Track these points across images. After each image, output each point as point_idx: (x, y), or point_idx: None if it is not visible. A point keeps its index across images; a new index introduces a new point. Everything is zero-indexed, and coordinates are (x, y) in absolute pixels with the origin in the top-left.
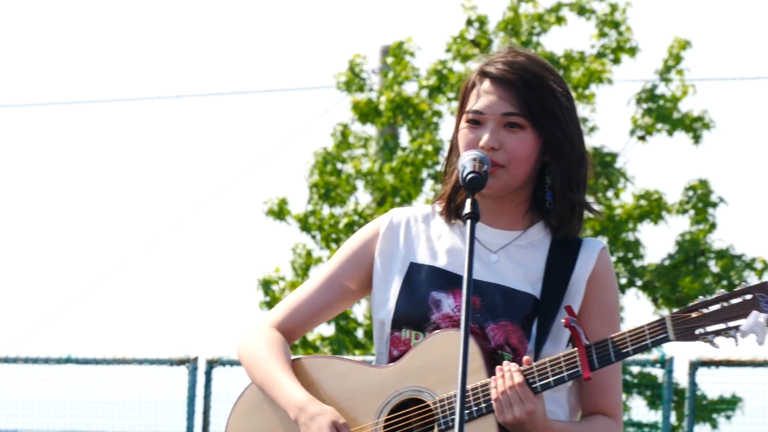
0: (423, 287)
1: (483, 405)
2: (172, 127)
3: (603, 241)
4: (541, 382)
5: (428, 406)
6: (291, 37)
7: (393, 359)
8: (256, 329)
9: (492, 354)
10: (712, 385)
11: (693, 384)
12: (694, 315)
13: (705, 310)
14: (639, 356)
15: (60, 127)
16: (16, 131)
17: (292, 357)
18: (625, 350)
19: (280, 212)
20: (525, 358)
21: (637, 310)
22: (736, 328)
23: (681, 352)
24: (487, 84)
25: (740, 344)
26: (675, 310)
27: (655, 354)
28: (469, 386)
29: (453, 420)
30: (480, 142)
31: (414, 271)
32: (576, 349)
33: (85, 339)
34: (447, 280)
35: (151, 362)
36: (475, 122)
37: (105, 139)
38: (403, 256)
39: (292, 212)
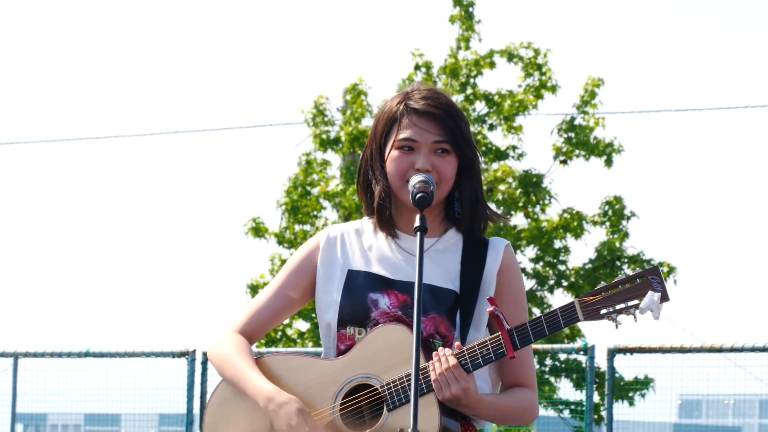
0: (361, 290)
1: (423, 385)
2: (174, 160)
3: (507, 240)
4: (473, 363)
5: (377, 389)
6: (271, 79)
7: (341, 353)
8: (222, 335)
9: (426, 342)
10: (628, 368)
11: (612, 368)
12: (598, 298)
13: (607, 294)
14: (566, 345)
15: (80, 161)
16: (47, 166)
17: (255, 356)
18: (542, 331)
19: (258, 230)
20: (456, 344)
21: None
22: (635, 306)
23: (601, 341)
24: (415, 116)
25: (639, 320)
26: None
27: (579, 343)
28: (410, 371)
29: (399, 399)
30: (416, 165)
31: (352, 277)
32: (500, 333)
33: (101, 336)
34: (381, 283)
35: (156, 355)
36: (409, 148)
37: (118, 171)
38: (341, 265)
39: (270, 230)
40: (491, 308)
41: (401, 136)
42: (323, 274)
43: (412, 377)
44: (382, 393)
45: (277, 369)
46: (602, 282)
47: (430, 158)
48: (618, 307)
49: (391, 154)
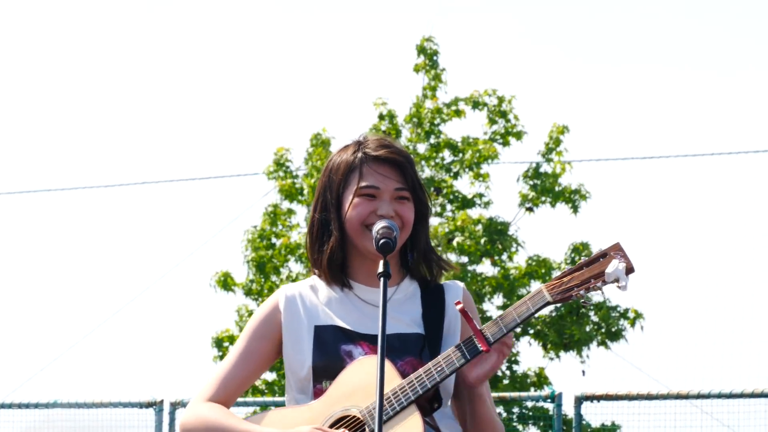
0: (332, 343)
1: (404, 401)
2: (139, 211)
3: (461, 284)
4: (448, 366)
5: (356, 417)
6: (237, 129)
7: None
8: (195, 406)
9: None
10: (595, 416)
11: (579, 415)
12: (564, 280)
13: (572, 275)
14: (533, 392)
15: (45, 213)
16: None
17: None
18: (513, 322)
19: (225, 283)
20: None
21: (531, 354)
22: (601, 281)
23: (568, 388)
24: (375, 164)
25: (605, 293)
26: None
27: (546, 390)
28: (389, 390)
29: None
30: (378, 211)
31: (320, 332)
32: (471, 335)
33: (69, 387)
34: (350, 336)
35: (124, 405)
36: (371, 196)
37: (85, 223)
38: (306, 322)
39: (237, 281)
40: (460, 306)
41: (363, 183)
42: (290, 335)
43: (377, 404)
44: (362, 418)
45: (261, 422)
46: (566, 267)
47: (392, 205)
48: (584, 285)
49: (353, 202)
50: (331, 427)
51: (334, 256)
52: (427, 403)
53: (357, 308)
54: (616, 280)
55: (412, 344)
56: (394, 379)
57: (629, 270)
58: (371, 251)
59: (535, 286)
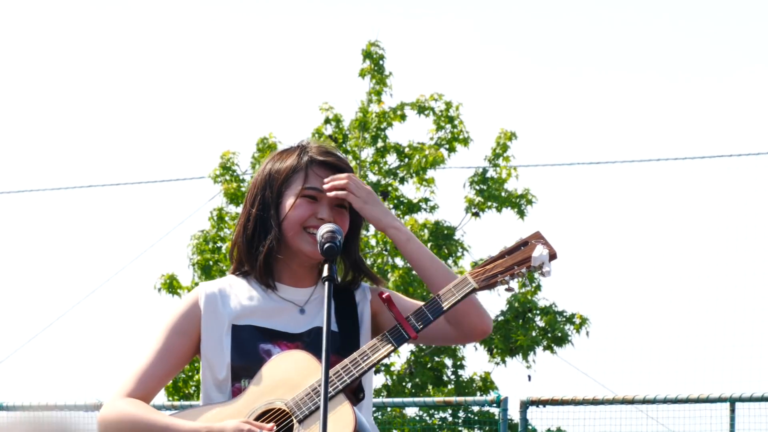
0: (250, 342)
1: (331, 391)
2: (83, 215)
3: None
4: (374, 354)
5: (282, 410)
6: (182, 133)
7: None
8: (113, 403)
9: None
10: (541, 420)
11: (524, 420)
12: (488, 267)
13: (496, 263)
14: (478, 397)
15: None
16: None
17: None
18: (438, 309)
19: (171, 286)
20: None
21: (476, 359)
22: (526, 266)
23: (513, 393)
24: (320, 168)
25: (527, 282)
26: (471, 269)
27: (492, 395)
28: (314, 381)
29: (308, 408)
30: (318, 215)
31: (237, 332)
32: (396, 324)
33: (15, 390)
34: (269, 335)
35: (70, 408)
36: (312, 198)
37: (31, 227)
38: (224, 321)
39: (183, 285)
40: (385, 294)
41: (308, 184)
42: (209, 333)
43: (322, 390)
44: (288, 410)
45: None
46: (489, 255)
47: (331, 210)
48: (509, 272)
49: (295, 202)
50: (256, 420)
51: (271, 253)
52: (352, 394)
53: (278, 307)
54: (541, 266)
55: (332, 341)
56: (317, 371)
57: (552, 256)
58: (305, 253)
59: (482, 292)
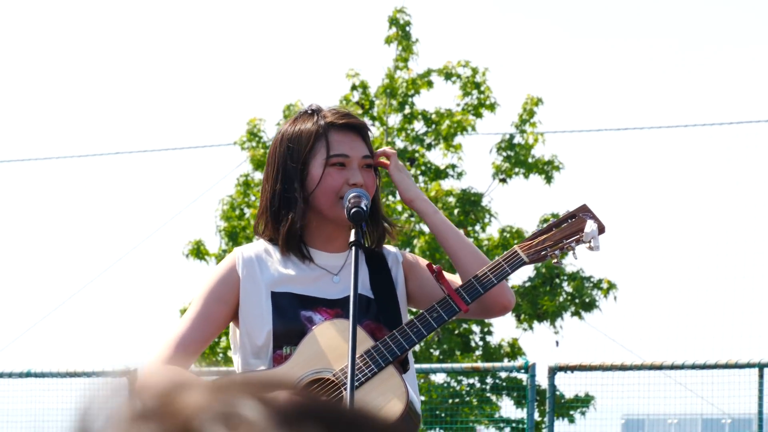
0: (291, 309)
1: (381, 362)
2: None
3: (396, 248)
4: (425, 327)
5: (330, 380)
6: (210, 101)
7: None
8: (155, 368)
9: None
10: (569, 386)
11: (552, 386)
12: (537, 240)
13: (544, 236)
14: (506, 363)
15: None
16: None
17: None
18: (489, 281)
19: (198, 252)
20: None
21: (503, 326)
22: (575, 241)
23: (542, 359)
24: (340, 133)
25: (578, 255)
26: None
27: (520, 361)
28: (363, 351)
29: (357, 380)
30: (350, 180)
31: (278, 299)
32: (446, 294)
33: (43, 357)
34: (308, 302)
35: (98, 374)
36: (341, 165)
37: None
38: (263, 286)
39: (210, 251)
40: (436, 267)
41: (334, 152)
42: (248, 298)
43: (349, 365)
44: (336, 381)
45: None
46: (538, 228)
47: (360, 173)
48: (557, 245)
49: (323, 172)
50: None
51: (295, 226)
52: (399, 365)
53: (313, 275)
54: (591, 240)
55: (367, 307)
56: (365, 341)
57: (601, 230)
58: (339, 221)
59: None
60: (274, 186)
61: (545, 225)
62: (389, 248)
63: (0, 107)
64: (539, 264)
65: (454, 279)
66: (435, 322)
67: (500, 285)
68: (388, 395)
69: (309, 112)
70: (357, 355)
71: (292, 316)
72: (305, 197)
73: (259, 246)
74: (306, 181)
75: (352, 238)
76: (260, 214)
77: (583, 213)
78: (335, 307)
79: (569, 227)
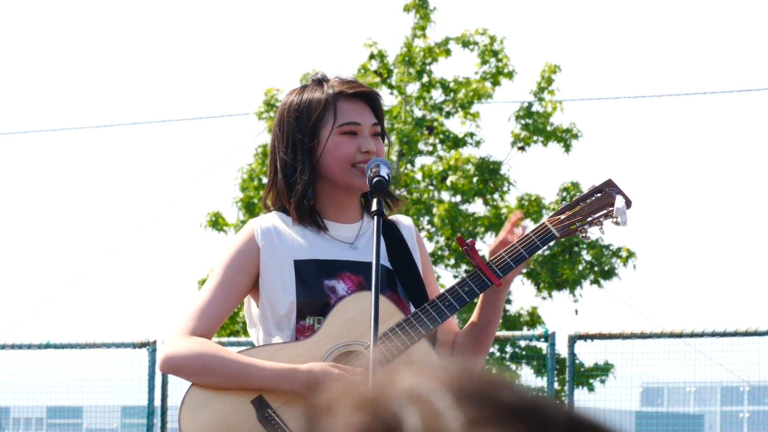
0: (314, 278)
1: (414, 336)
2: (131, 152)
3: (409, 218)
4: (456, 300)
5: (359, 353)
6: (228, 71)
7: None
8: (178, 340)
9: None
10: (588, 355)
11: (572, 354)
12: (567, 215)
13: (572, 211)
14: (526, 332)
15: (40, 153)
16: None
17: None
18: (520, 255)
19: (216, 223)
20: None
21: (523, 293)
22: (604, 215)
23: (561, 328)
24: (348, 101)
25: (605, 230)
26: (548, 216)
27: (539, 330)
28: (395, 324)
29: (391, 354)
30: (362, 148)
31: (300, 267)
32: (475, 268)
33: (62, 328)
34: (332, 268)
35: (117, 345)
36: (352, 133)
37: (78, 163)
38: (284, 256)
39: (228, 222)
40: (469, 240)
41: (344, 120)
42: (269, 269)
43: (371, 337)
44: (367, 354)
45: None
46: (564, 203)
47: (371, 141)
48: (586, 219)
49: (334, 140)
50: (335, 362)
51: (306, 196)
52: (430, 339)
53: (331, 244)
54: (619, 216)
55: (386, 278)
56: (395, 315)
57: (628, 205)
58: (357, 187)
59: (527, 224)
60: (284, 156)
61: (573, 200)
62: (400, 218)
63: (21, 80)
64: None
65: (434, 289)
66: (467, 296)
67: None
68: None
69: (315, 80)
70: (388, 329)
71: (315, 286)
72: (315, 166)
73: (273, 217)
74: (316, 150)
75: (374, 207)
76: (269, 185)
77: (609, 188)
78: (358, 273)
79: (597, 202)
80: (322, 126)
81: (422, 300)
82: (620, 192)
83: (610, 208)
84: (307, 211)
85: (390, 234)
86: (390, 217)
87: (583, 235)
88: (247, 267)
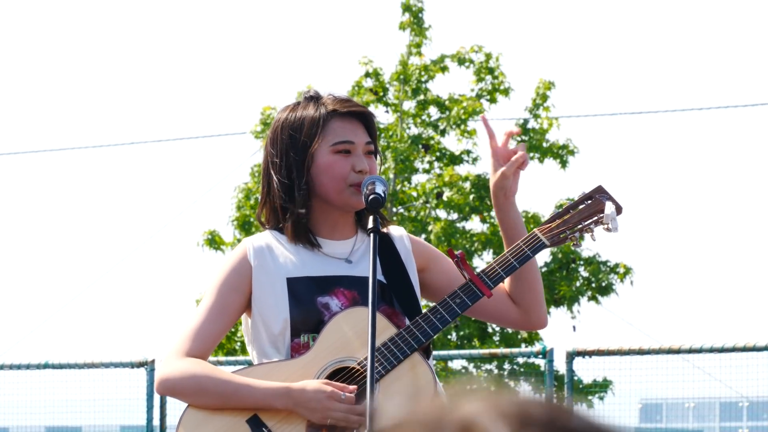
0: (307, 295)
1: (407, 350)
2: (126, 172)
3: (401, 228)
4: (448, 313)
5: (354, 369)
6: (223, 88)
7: None
8: (173, 362)
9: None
10: (587, 371)
11: (570, 371)
12: (556, 223)
13: (562, 219)
14: (524, 348)
15: (35, 173)
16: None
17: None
18: (511, 266)
19: (213, 242)
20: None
21: None
22: (594, 222)
23: (559, 344)
24: (342, 119)
25: (596, 237)
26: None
27: (537, 346)
28: (386, 339)
29: (384, 368)
30: (356, 168)
31: (293, 285)
32: (468, 279)
33: (60, 348)
34: (325, 284)
35: (115, 365)
36: (346, 152)
37: (73, 184)
38: (277, 274)
39: (225, 240)
40: (458, 252)
41: (338, 139)
42: (262, 287)
43: (369, 357)
44: (361, 369)
45: (250, 377)
46: (556, 210)
47: (364, 159)
48: (577, 227)
49: (328, 159)
50: (329, 378)
51: (302, 216)
52: (423, 352)
53: (325, 260)
54: (610, 222)
55: (380, 292)
56: (387, 329)
57: (619, 211)
58: (352, 205)
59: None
60: (277, 174)
61: (562, 208)
62: (392, 229)
63: (18, 100)
64: (557, 248)
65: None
66: (458, 308)
67: (543, 301)
68: (415, 383)
69: (308, 98)
70: (381, 343)
71: (308, 303)
72: (309, 185)
73: (266, 236)
74: (311, 169)
75: (370, 224)
76: (263, 204)
77: (599, 194)
78: (352, 288)
79: (587, 209)
80: (315, 144)
81: (415, 312)
82: (610, 198)
83: (601, 215)
84: (301, 230)
85: (384, 247)
86: (383, 230)
87: (574, 243)
88: (241, 286)
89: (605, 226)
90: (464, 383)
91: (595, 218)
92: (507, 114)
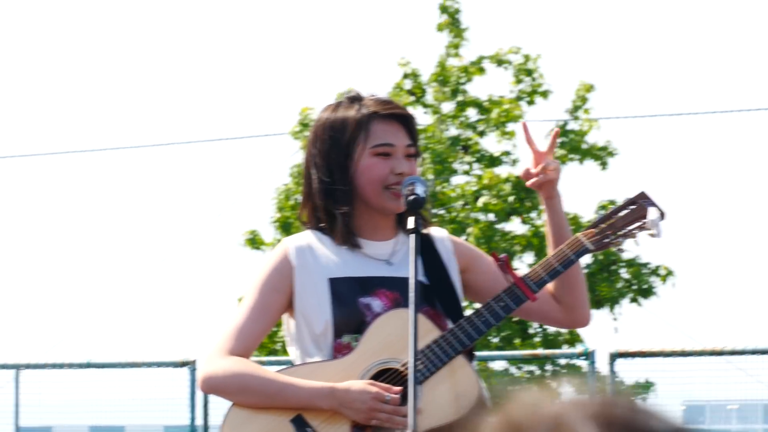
0: (350, 296)
1: (451, 352)
2: (171, 171)
3: (442, 229)
4: (493, 316)
5: (397, 371)
6: (265, 89)
7: None
8: (216, 361)
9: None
10: (629, 373)
11: (612, 373)
12: (600, 228)
13: (606, 224)
14: (566, 350)
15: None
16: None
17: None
18: (555, 270)
19: (254, 242)
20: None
21: None
22: (638, 228)
23: (601, 346)
24: (383, 122)
25: (639, 242)
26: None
27: (579, 348)
28: (430, 341)
29: (429, 370)
30: (396, 170)
31: (336, 285)
32: (512, 283)
33: (103, 347)
34: (367, 285)
35: (158, 365)
36: (385, 154)
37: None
38: (319, 274)
39: (265, 241)
40: (503, 255)
41: (378, 141)
42: (304, 287)
43: (409, 359)
44: (404, 371)
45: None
46: (600, 213)
47: (404, 162)
48: (620, 232)
49: (368, 162)
50: (373, 379)
51: (347, 217)
52: (467, 355)
53: (367, 260)
54: (654, 227)
55: (422, 293)
56: (431, 331)
57: (662, 217)
58: (390, 209)
59: None
60: (318, 174)
61: (606, 212)
62: (433, 230)
63: (61, 100)
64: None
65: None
66: (503, 311)
67: (587, 299)
68: (459, 386)
69: (349, 98)
70: (425, 345)
71: (350, 304)
72: (350, 186)
73: (307, 236)
74: (351, 171)
75: (410, 225)
76: (304, 203)
77: (642, 200)
78: (394, 290)
79: (631, 214)
80: (356, 146)
81: (458, 313)
82: (653, 204)
83: (644, 221)
84: (343, 230)
85: (425, 249)
86: (423, 231)
87: (618, 248)
88: (282, 286)
89: (649, 232)
90: (509, 384)
91: (639, 224)
92: (545, 116)
